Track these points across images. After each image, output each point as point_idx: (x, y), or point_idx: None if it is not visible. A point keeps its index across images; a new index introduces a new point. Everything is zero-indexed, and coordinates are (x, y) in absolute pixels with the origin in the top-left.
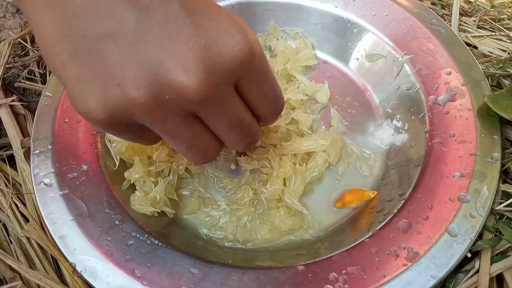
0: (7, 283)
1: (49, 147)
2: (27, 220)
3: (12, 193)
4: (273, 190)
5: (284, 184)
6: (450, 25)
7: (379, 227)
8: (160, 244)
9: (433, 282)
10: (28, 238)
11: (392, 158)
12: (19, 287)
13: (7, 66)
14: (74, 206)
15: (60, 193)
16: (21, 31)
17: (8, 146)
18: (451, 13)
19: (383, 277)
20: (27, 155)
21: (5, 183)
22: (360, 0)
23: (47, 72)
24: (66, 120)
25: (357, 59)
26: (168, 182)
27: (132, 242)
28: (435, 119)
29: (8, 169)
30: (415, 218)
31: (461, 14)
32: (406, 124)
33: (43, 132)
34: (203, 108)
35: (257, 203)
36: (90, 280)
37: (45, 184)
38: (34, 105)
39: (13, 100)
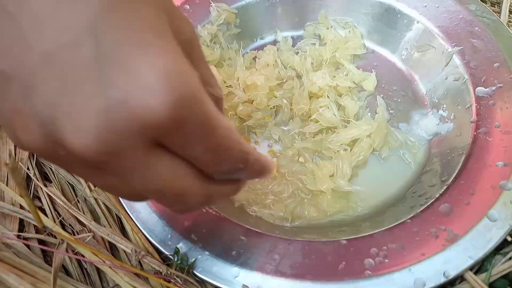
0: (78, 234)
1: None
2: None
3: None
4: (327, 187)
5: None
6: None
7: (421, 209)
8: (213, 212)
9: (470, 262)
10: (95, 199)
11: (436, 146)
12: (90, 238)
13: None
14: None
15: None
16: None
17: None
18: (501, 11)
19: (422, 254)
20: None
21: None
22: None
23: None
24: None
25: (406, 49)
26: None
27: None
28: (481, 109)
29: None
30: (456, 203)
31: (510, 12)
32: (452, 114)
33: None
34: (103, 169)
35: (302, 191)
36: (151, 238)
37: None
38: None
39: None
